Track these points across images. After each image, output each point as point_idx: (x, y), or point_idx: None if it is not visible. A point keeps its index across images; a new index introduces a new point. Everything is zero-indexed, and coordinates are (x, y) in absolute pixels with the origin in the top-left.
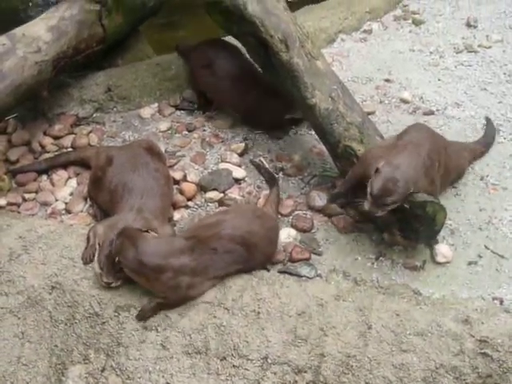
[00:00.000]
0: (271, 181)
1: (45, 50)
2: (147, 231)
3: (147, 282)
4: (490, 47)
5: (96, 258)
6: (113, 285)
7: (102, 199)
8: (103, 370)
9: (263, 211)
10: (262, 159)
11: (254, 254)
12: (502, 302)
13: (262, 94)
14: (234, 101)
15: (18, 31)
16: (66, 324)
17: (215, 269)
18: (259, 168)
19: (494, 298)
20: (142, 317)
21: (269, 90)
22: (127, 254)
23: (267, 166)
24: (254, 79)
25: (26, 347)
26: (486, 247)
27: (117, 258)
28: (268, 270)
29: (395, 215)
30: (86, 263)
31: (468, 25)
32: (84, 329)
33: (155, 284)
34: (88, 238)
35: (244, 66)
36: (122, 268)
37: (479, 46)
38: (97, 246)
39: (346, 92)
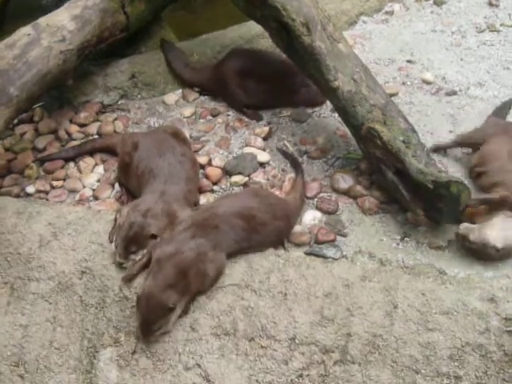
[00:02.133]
0: (296, 166)
1: (69, 39)
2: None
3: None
4: None
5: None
6: (124, 265)
7: (131, 185)
8: (134, 352)
9: (267, 191)
10: (286, 143)
11: (257, 229)
12: None
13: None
14: (276, 98)
15: (43, 21)
16: (96, 308)
17: (223, 246)
18: (285, 154)
19: None
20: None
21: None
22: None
23: (291, 150)
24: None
25: (57, 331)
26: None
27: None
28: (285, 248)
29: (419, 195)
30: (111, 242)
31: (490, 4)
32: (114, 312)
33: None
34: (115, 219)
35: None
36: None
37: (501, 24)
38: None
39: (369, 74)
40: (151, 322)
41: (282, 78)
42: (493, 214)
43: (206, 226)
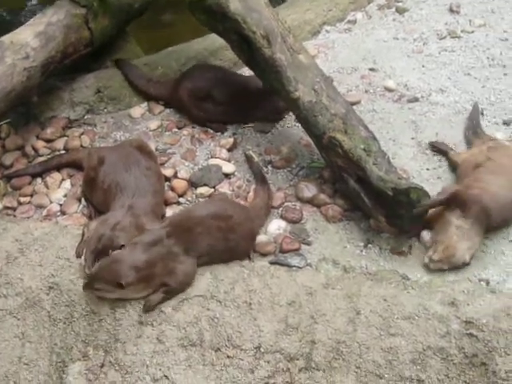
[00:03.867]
0: (260, 177)
1: (33, 56)
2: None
3: (144, 283)
4: (472, 32)
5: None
6: None
7: (96, 199)
8: (102, 365)
9: (232, 200)
10: (251, 153)
11: (229, 235)
12: (488, 283)
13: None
14: (236, 116)
15: (6, 39)
16: (64, 323)
17: (197, 248)
18: (250, 162)
19: (480, 280)
20: (149, 308)
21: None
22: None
23: (256, 159)
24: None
25: (26, 347)
26: None
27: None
28: (250, 259)
29: (381, 202)
30: (78, 256)
31: (451, 10)
32: (82, 327)
33: (151, 281)
34: (83, 233)
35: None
36: None
37: (462, 31)
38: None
39: (329, 84)
40: (98, 278)
41: (242, 97)
42: (445, 216)
43: (180, 227)
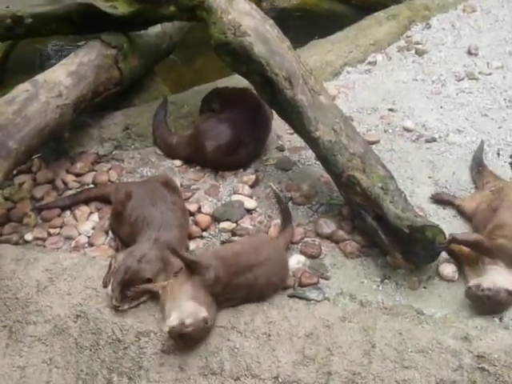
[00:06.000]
0: (286, 215)
1: (65, 95)
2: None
3: None
4: (490, 74)
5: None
6: (120, 308)
7: (123, 232)
8: None
9: (269, 237)
10: (273, 186)
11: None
12: (501, 319)
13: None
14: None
15: (40, 77)
16: (90, 350)
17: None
18: (279, 201)
19: (494, 316)
20: None
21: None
22: None
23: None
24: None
25: (53, 372)
26: None
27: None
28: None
29: (397, 239)
30: (104, 286)
31: (469, 53)
32: (107, 354)
33: None
34: (110, 265)
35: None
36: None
37: (480, 72)
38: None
39: (348, 124)
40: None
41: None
42: (485, 264)
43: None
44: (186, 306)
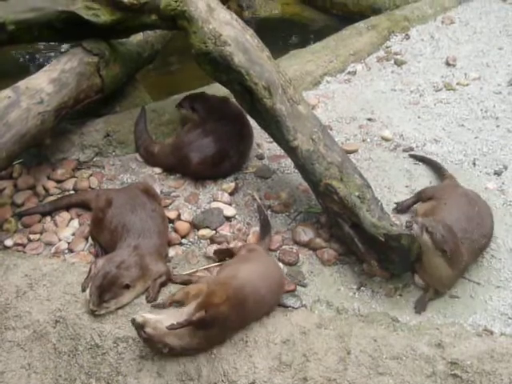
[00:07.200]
0: (266, 225)
1: (47, 101)
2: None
3: None
4: (467, 85)
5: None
6: (96, 312)
7: (103, 239)
8: None
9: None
10: (254, 194)
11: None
12: (474, 327)
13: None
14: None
15: (22, 84)
16: (69, 355)
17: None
18: (260, 211)
19: (468, 324)
20: None
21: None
22: None
23: (259, 201)
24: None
25: (32, 378)
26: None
27: None
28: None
29: (373, 247)
30: (83, 290)
31: (447, 64)
32: (86, 359)
33: None
34: (89, 270)
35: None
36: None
37: (457, 83)
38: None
39: (327, 133)
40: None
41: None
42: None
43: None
44: (162, 319)
